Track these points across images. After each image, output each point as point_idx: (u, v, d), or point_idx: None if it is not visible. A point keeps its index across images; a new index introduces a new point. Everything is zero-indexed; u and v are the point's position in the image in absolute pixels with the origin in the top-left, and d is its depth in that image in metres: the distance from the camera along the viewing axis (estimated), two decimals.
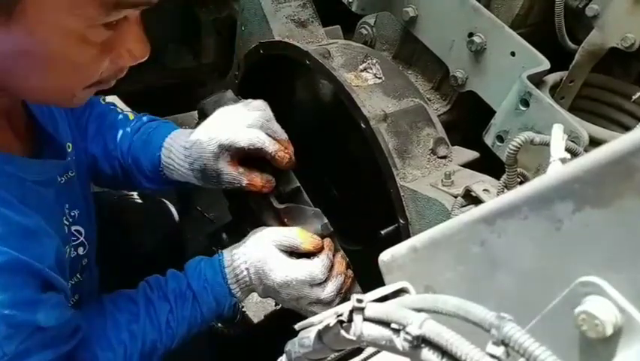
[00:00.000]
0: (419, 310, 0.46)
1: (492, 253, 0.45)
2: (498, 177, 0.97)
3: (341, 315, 0.50)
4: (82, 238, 1.06)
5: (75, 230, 1.04)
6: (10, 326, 0.76)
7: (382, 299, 0.54)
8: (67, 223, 1.02)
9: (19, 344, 0.78)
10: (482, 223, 0.45)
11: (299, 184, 1.12)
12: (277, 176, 1.14)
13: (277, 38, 1.32)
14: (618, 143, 0.34)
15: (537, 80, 1.08)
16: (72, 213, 1.03)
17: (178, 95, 2.30)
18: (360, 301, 0.49)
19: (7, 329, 0.76)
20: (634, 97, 0.93)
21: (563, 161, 0.73)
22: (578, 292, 0.38)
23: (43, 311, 0.81)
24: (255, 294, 1.17)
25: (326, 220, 1.10)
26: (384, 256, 0.58)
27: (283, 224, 1.12)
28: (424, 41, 1.27)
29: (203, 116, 1.21)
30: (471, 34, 1.16)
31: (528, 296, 0.43)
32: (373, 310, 0.48)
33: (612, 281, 0.37)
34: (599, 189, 0.36)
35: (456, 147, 1.24)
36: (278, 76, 1.38)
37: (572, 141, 0.96)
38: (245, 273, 1.07)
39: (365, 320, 0.49)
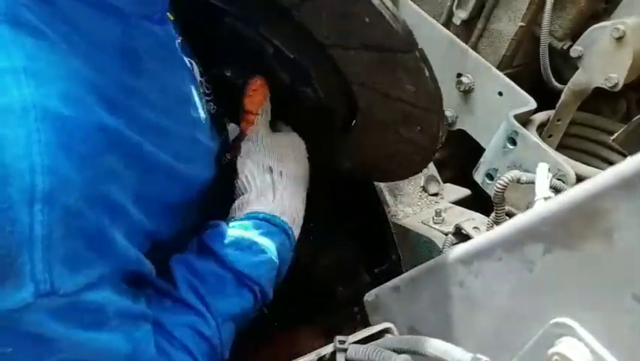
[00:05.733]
0: (400, 352, 0.47)
1: (470, 294, 0.46)
2: (489, 215, 0.97)
3: (324, 356, 0.50)
4: None
5: None
6: None
7: (367, 340, 0.54)
8: None
9: None
10: (460, 264, 0.46)
11: None
12: None
13: None
14: (582, 187, 0.36)
15: (524, 119, 1.10)
16: None
17: None
18: (342, 342, 0.50)
19: None
20: (611, 138, 0.95)
21: (548, 200, 0.74)
22: (551, 333, 0.38)
23: None
24: None
25: None
26: (369, 297, 0.59)
27: None
28: None
29: None
30: (459, 75, 1.19)
31: (505, 336, 0.43)
32: (355, 351, 0.49)
33: (583, 322, 0.37)
34: (567, 232, 0.37)
35: (447, 184, 1.25)
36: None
37: (559, 179, 0.97)
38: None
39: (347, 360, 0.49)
